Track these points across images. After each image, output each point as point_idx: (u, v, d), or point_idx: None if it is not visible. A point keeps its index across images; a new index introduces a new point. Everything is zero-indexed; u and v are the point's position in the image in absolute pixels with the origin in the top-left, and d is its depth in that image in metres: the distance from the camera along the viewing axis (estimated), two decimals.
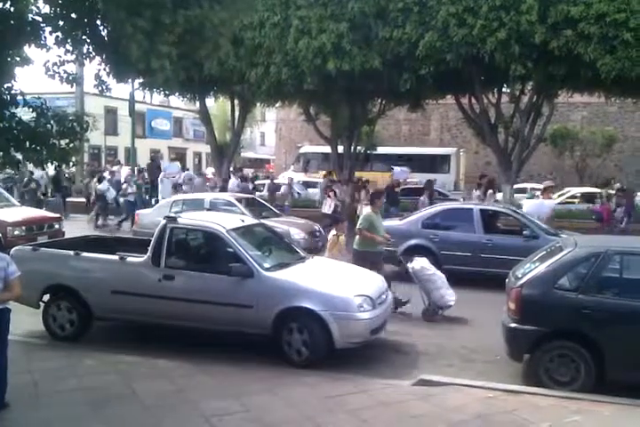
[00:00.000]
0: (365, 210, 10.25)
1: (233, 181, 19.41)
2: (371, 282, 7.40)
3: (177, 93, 21.93)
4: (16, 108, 6.69)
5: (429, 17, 15.73)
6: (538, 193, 19.61)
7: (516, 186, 20.49)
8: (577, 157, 31.26)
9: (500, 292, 7.31)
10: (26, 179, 20.42)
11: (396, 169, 24.28)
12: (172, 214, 8.02)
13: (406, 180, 23.35)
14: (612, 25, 14.18)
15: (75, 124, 6.96)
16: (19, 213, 12.96)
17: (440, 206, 12.72)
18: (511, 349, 6.41)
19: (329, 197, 17.01)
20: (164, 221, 7.42)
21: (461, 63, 15.97)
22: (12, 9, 6.36)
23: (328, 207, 16.68)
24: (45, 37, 6.61)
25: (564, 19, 14.51)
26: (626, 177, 31.57)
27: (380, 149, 27.04)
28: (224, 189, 18.92)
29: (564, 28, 14.56)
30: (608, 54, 14.41)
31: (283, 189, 21.07)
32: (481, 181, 18.46)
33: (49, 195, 21.85)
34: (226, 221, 7.62)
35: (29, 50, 6.68)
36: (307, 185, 25.91)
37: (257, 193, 21.77)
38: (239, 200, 13.80)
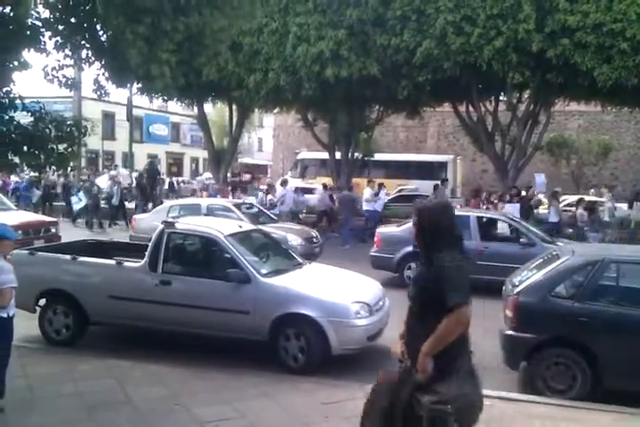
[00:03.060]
0: None
1: (286, 194, 17.48)
2: (368, 288, 7.40)
3: (175, 99, 21.99)
4: (14, 112, 6.69)
5: (427, 25, 15.84)
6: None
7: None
8: (573, 166, 31.37)
9: (496, 299, 7.31)
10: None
11: (539, 179, 20.68)
12: (170, 219, 8.02)
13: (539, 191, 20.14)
14: (609, 34, 14.30)
15: (73, 128, 6.96)
16: (15, 217, 12.91)
17: None
18: (507, 356, 6.41)
19: None
20: (161, 227, 7.41)
21: (459, 71, 16.08)
22: (11, 13, 6.37)
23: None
24: (45, 42, 6.62)
25: (561, 28, 14.64)
26: (621, 186, 31.70)
27: (378, 156, 27.12)
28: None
29: (562, 37, 14.68)
30: (605, 63, 14.53)
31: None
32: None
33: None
34: (223, 227, 7.61)
35: (28, 54, 6.72)
36: (304, 191, 25.92)
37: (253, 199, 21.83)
38: (236, 206, 13.80)
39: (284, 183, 18.04)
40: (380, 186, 18.86)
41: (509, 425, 5.21)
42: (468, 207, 16.82)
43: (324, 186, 20.21)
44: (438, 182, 20.32)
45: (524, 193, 17.53)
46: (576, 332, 5.96)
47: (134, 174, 25.66)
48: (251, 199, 16.75)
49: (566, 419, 5.32)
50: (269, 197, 17.16)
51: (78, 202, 19.99)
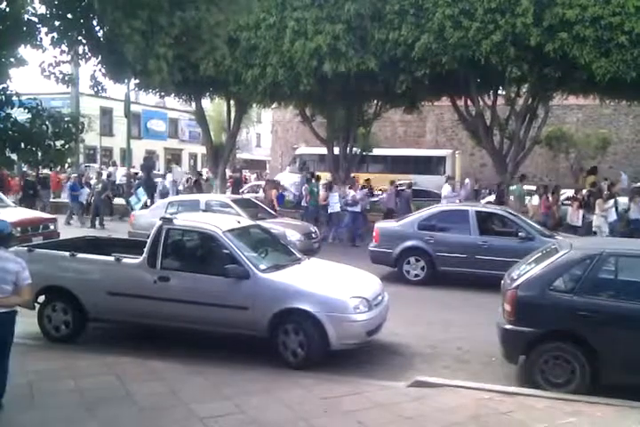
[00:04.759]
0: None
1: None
2: (367, 283, 7.41)
3: (173, 94, 21.90)
4: (11, 108, 6.67)
5: (425, 19, 15.77)
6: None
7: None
8: (572, 159, 31.34)
9: (495, 293, 7.33)
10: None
11: (624, 175, 22.53)
12: (168, 215, 8.01)
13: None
14: (607, 28, 14.24)
15: (70, 124, 6.96)
16: (13, 213, 12.89)
17: (436, 208, 12.75)
18: (506, 350, 6.42)
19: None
20: (159, 223, 7.40)
21: (457, 65, 16.02)
22: (7, 9, 6.34)
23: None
24: (41, 38, 6.61)
25: (559, 21, 14.57)
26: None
27: (376, 151, 27.09)
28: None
29: (560, 30, 14.61)
30: (603, 57, 14.47)
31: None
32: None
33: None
34: (222, 223, 7.61)
35: (25, 50, 6.69)
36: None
37: (253, 195, 21.83)
38: (235, 201, 13.79)
39: (330, 188, 17.83)
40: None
41: (508, 419, 5.23)
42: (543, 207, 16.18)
43: (392, 183, 19.69)
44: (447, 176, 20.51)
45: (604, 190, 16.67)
46: (574, 325, 5.97)
47: (132, 170, 25.65)
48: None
49: (565, 412, 5.33)
50: (351, 193, 17.19)
51: (137, 202, 19.41)
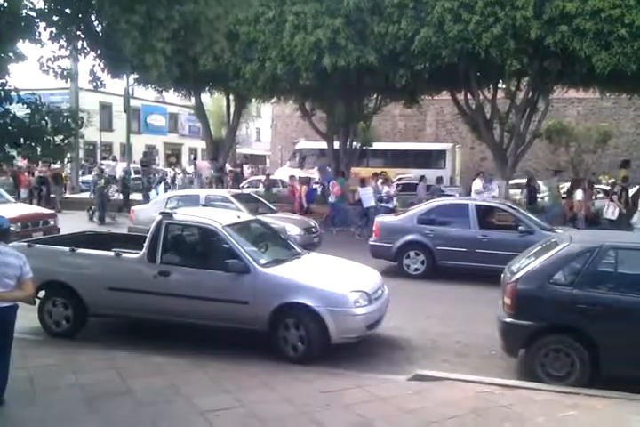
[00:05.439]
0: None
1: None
2: (367, 277, 7.41)
3: (172, 89, 21.89)
4: (10, 104, 6.65)
5: (425, 12, 15.74)
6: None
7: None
8: (572, 153, 31.30)
9: (495, 287, 7.34)
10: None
11: None
12: (168, 210, 8.01)
13: None
14: (608, 21, 14.20)
15: (69, 120, 6.93)
16: (13, 209, 12.90)
17: (435, 202, 12.74)
18: (506, 344, 6.43)
19: None
20: (159, 217, 7.40)
21: (457, 59, 15.99)
22: (5, 4, 6.32)
23: None
24: (40, 33, 6.58)
25: (559, 14, 14.53)
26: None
27: (376, 145, 27.08)
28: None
29: (560, 23, 14.58)
30: (603, 50, 14.44)
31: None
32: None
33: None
34: (222, 218, 7.61)
35: (23, 45, 6.66)
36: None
37: (252, 189, 21.80)
38: (235, 196, 13.78)
39: (364, 183, 17.57)
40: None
41: (508, 412, 5.24)
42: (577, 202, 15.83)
43: (422, 178, 19.72)
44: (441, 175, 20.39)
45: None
46: (574, 319, 5.98)
47: (132, 166, 25.65)
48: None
49: (565, 405, 5.34)
50: (385, 188, 17.10)
51: (157, 196, 19.25)
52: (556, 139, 30.16)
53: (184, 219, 7.56)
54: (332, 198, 18.34)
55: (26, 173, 22.99)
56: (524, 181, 19.94)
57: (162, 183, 20.35)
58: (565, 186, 18.50)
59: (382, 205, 16.63)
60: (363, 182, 17.49)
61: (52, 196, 21.80)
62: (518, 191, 21.03)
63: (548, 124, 26.93)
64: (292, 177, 20.95)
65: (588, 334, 5.90)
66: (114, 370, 6.13)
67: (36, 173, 22.65)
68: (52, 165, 19.40)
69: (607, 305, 5.89)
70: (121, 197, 21.82)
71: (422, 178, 19.68)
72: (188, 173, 27.96)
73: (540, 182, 19.70)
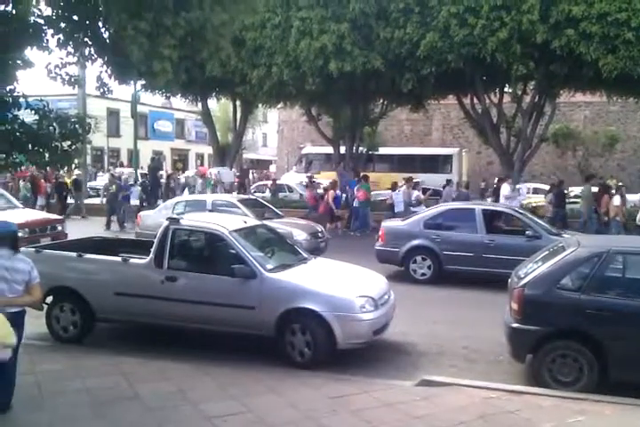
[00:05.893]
0: None
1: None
2: (373, 283, 7.40)
3: (179, 95, 21.99)
4: (18, 110, 6.71)
5: (430, 17, 15.78)
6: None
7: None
8: (579, 157, 31.22)
9: (502, 292, 7.31)
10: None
11: None
12: (175, 216, 8.03)
13: None
14: (614, 24, 14.20)
15: (77, 126, 6.98)
16: (21, 215, 12.97)
17: (442, 207, 12.71)
18: (514, 349, 6.40)
19: None
20: (166, 223, 7.42)
21: (463, 63, 16.02)
22: (13, 11, 6.38)
23: None
24: (47, 40, 6.64)
25: (565, 18, 14.54)
26: (628, 176, 31.55)
27: (383, 150, 27.06)
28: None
29: (566, 27, 14.59)
30: (610, 54, 14.43)
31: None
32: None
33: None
34: (228, 223, 7.62)
35: (31, 52, 6.72)
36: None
37: (259, 195, 21.79)
38: (241, 201, 13.81)
39: (395, 187, 17.61)
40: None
41: (516, 418, 5.21)
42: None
43: (449, 182, 19.67)
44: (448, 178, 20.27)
45: None
46: (582, 324, 5.94)
47: (140, 171, 25.72)
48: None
49: (573, 411, 5.31)
50: (414, 193, 17.14)
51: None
52: (563, 143, 30.14)
53: (191, 224, 7.58)
54: (356, 203, 18.43)
55: (42, 180, 23.09)
56: (535, 185, 19.72)
57: (186, 188, 20.37)
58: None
59: (412, 209, 16.61)
60: (394, 187, 17.54)
61: (69, 202, 21.94)
62: (542, 197, 20.72)
63: (555, 128, 26.93)
64: (312, 182, 20.41)
65: (596, 340, 5.86)
66: (121, 375, 6.14)
67: (64, 179, 22.46)
68: (75, 171, 19.45)
69: (615, 310, 5.86)
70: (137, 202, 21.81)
71: (449, 182, 19.61)
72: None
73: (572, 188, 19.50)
